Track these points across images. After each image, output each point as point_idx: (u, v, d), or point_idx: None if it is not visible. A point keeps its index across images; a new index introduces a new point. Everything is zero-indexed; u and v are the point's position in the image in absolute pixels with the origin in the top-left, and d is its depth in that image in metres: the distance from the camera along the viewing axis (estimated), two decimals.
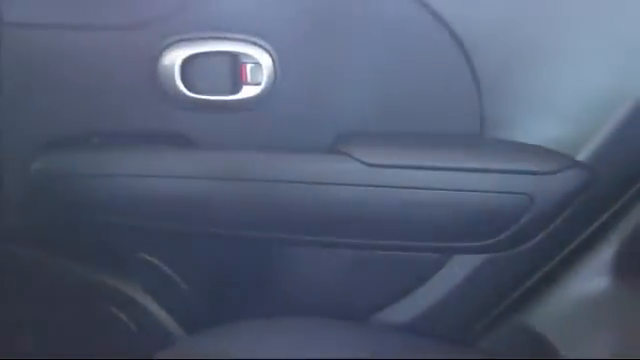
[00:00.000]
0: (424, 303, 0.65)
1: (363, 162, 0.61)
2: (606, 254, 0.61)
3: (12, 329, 0.70)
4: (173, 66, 0.62)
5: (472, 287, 0.64)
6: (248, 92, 0.62)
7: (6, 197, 0.65)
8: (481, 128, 0.62)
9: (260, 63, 0.62)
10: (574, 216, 0.61)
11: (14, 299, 0.69)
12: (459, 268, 0.63)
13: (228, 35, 0.62)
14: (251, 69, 0.62)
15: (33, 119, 0.64)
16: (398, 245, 0.63)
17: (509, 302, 0.64)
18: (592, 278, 0.62)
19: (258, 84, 0.62)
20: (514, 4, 0.60)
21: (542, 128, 0.61)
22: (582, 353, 0.61)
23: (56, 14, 0.61)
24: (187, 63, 0.62)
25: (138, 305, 0.67)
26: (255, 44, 0.61)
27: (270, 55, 0.61)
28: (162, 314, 0.67)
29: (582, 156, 0.60)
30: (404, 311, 0.65)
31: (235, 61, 0.62)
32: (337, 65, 0.61)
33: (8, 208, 0.65)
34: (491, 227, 0.61)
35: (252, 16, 0.61)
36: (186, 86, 0.62)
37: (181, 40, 0.61)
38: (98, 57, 0.62)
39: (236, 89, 0.63)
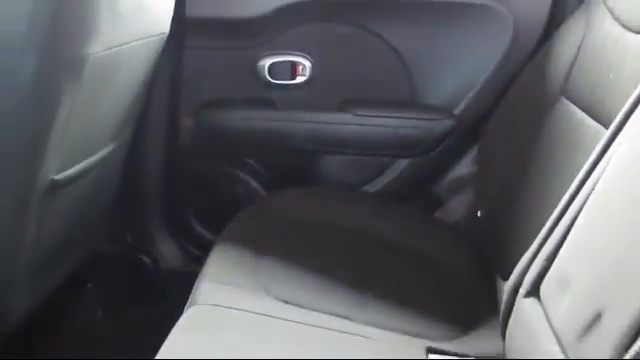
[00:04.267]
0: (383, 182, 1.33)
1: (353, 114, 1.29)
2: (470, 157, 1.30)
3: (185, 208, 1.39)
4: (264, 66, 1.28)
5: (405, 176, 1.32)
6: (299, 79, 1.29)
7: (185, 133, 1.33)
8: (412, 97, 1.29)
9: (305, 65, 1.28)
10: (452, 141, 1.27)
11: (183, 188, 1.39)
12: (399, 165, 1.32)
13: (290, 52, 1.28)
14: (301, 68, 1.29)
15: (197, 92, 1.31)
16: (370, 153, 1.32)
17: (423, 182, 1.33)
18: (461, 168, 1.30)
19: (304, 75, 1.29)
20: (428, 43, 1.25)
21: (440, 97, 1.27)
22: (454, 204, 1.30)
23: (213, 41, 1.27)
24: (272, 65, 1.28)
25: (246, 182, 1.36)
26: (303, 56, 1.28)
27: (310, 62, 1.28)
28: (256, 186, 1.35)
29: (456, 111, 1.27)
30: (373, 186, 1.34)
31: (293, 64, 1.29)
32: (342, 69, 1.28)
33: (185, 138, 1.33)
34: (413, 144, 1.29)
35: (302, 44, 1.27)
36: (270, 76, 1.29)
37: (269, 54, 1.28)
38: (232, 63, 1.28)
39: (293, 78, 1.29)
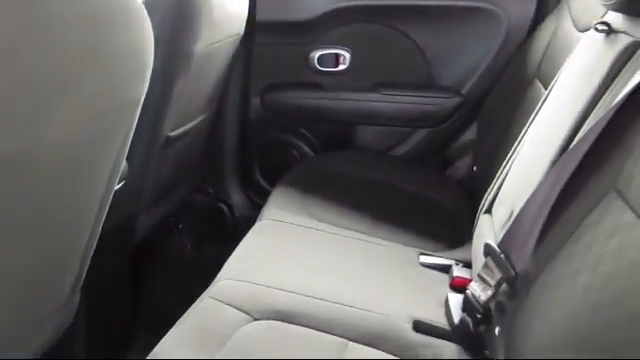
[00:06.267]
0: (405, 147, 1.70)
1: (382, 93, 1.66)
2: (474, 127, 1.64)
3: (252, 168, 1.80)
4: (314, 57, 1.67)
5: (423, 142, 1.68)
6: (341, 67, 1.68)
7: (253, 108, 1.73)
8: (428, 79, 1.65)
9: (346, 56, 1.66)
10: (459, 115, 1.63)
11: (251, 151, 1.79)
12: (418, 134, 1.68)
13: (334, 46, 1.66)
14: (342, 59, 1.67)
15: (263, 78, 1.71)
16: (395, 124, 1.69)
17: (436, 147, 1.69)
18: (466, 136, 1.65)
19: (345, 64, 1.67)
20: (442, 38, 1.61)
21: (450, 80, 1.63)
22: (460, 164, 1.65)
23: (276, 38, 1.67)
24: (320, 56, 1.67)
25: (299, 146, 1.75)
26: (344, 49, 1.66)
27: (350, 53, 1.66)
28: (307, 150, 1.74)
29: (463, 91, 1.61)
30: (398, 151, 1.70)
31: (337, 55, 1.67)
32: (374, 58, 1.65)
33: (254, 112, 1.74)
34: (429, 117, 1.65)
35: (343, 39, 1.65)
36: (319, 65, 1.67)
37: (318, 48, 1.67)
38: (290, 55, 1.67)
39: (336, 66, 1.68)
